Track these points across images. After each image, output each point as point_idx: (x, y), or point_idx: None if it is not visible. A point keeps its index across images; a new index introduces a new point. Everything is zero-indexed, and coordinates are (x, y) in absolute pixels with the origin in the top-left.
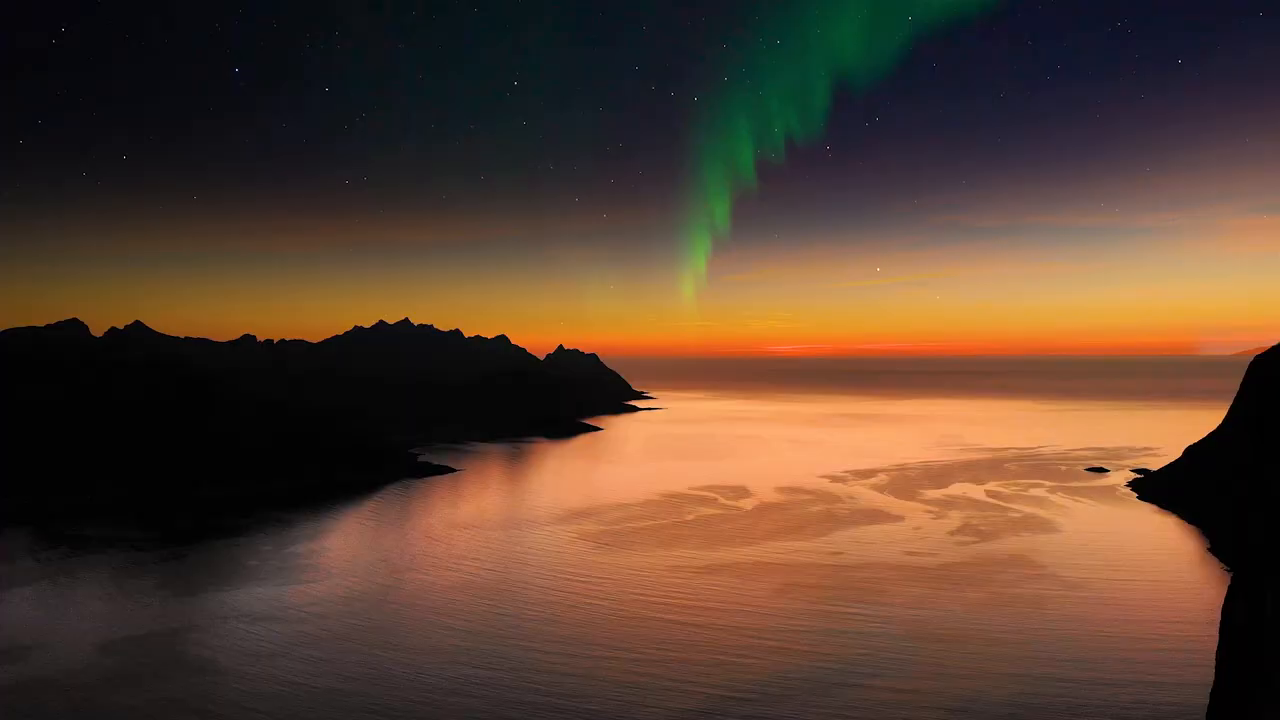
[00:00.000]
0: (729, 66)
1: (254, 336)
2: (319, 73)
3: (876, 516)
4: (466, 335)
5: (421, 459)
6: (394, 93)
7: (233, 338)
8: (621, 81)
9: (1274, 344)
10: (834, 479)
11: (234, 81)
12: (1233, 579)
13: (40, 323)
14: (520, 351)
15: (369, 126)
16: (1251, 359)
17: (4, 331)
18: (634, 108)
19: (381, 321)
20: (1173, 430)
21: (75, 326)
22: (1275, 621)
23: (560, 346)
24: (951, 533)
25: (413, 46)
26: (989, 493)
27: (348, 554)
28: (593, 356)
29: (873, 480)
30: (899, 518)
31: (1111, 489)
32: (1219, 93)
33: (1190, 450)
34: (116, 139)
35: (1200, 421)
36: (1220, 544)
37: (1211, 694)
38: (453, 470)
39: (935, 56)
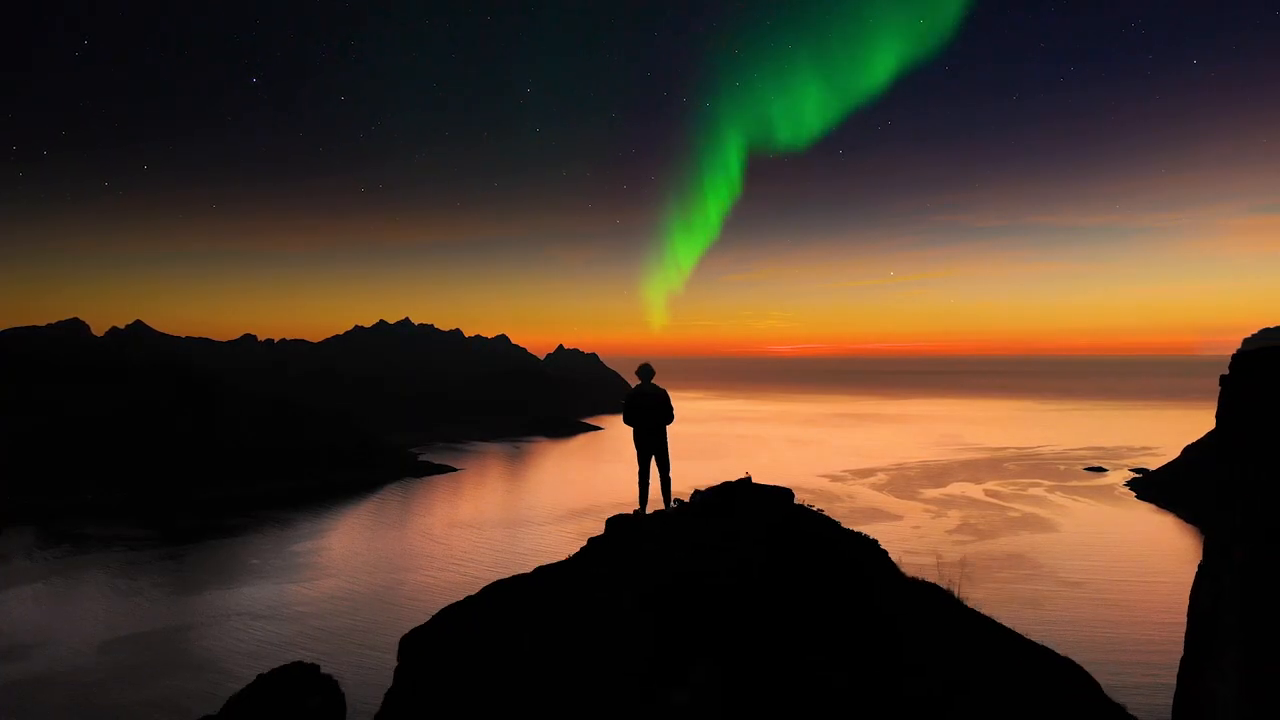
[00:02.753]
0: (739, 72)
1: (254, 336)
2: (335, 81)
3: (875, 515)
4: (467, 335)
5: (421, 458)
6: (409, 101)
7: (233, 337)
8: (634, 88)
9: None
10: (833, 478)
11: (252, 90)
12: (1199, 567)
13: (41, 322)
14: (520, 351)
15: (383, 134)
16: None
17: (5, 331)
18: (646, 114)
19: (382, 321)
20: (1172, 430)
21: (76, 326)
22: (1228, 605)
23: (560, 346)
24: (950, 531)
25: (427, 55)
26: (987, 492)
27: (348, 553)
28: (593, 356)
29: (871, 479)
30: (898, 517)
31: (1110, 488)
32: (1224, 93)
33: (1189, 450)
34: (136, 146)
35: (1199, 421)
36: None
37: (1179, 672)
38: (453, 470)
39: (948, 60)
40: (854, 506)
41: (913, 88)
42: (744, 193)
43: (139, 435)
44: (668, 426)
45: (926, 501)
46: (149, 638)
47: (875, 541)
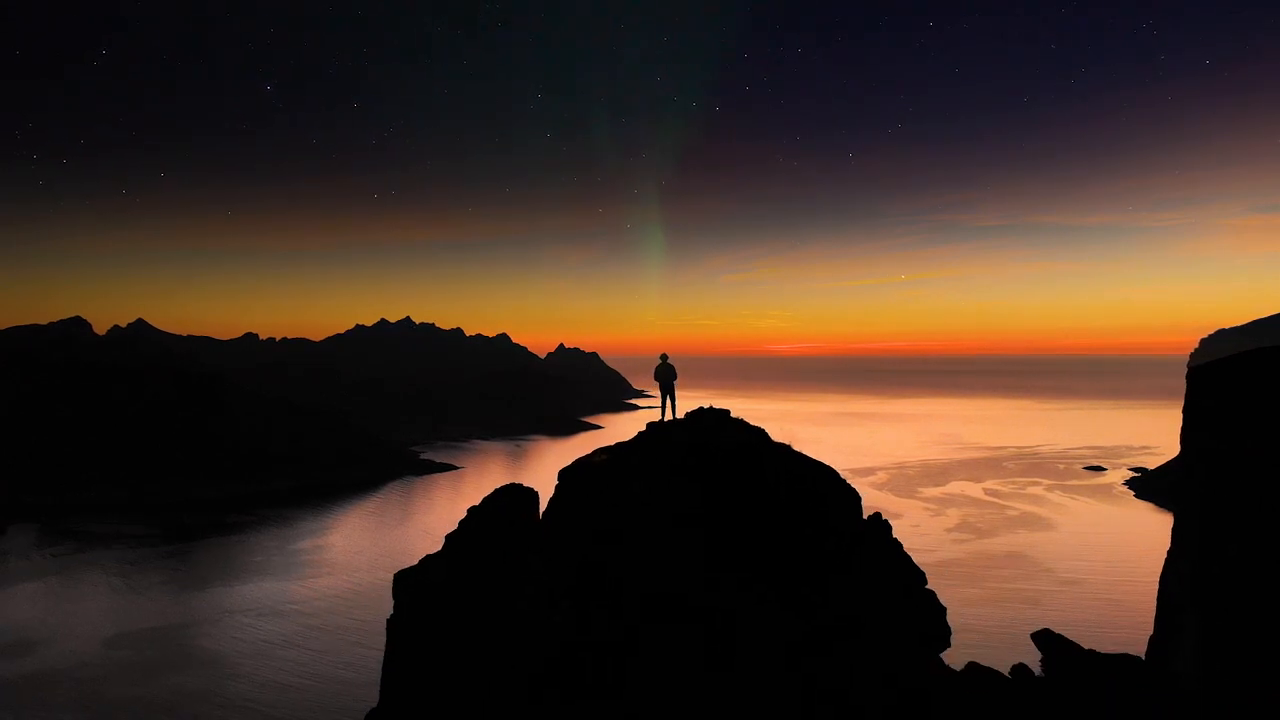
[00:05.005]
0: (746, 76)
1: (256, 335)
2: (348, 88)
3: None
4: (468, 334)
5: (423, 456)
6: (421, 108)
7: (235, 336)
8: (643, 93)
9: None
10: None
11: (265, 97)
12: (1167, 554)
13: (43, 320)
14: (521, 350)
15: (395, 140)
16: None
17: (7, 329)
18: (655, 118)
19: (383, 320)
20: (1171, 429)
21: (78, 324)
22: (1186, 589)
23: (561, 345)
24: (949, 530)
25: (440, 63)
26: (987, 491)
27: (350, 550)
28: (593, 355)
29: (871, 478)
30: (897, 515)
31: (1109, 487)
32: (1231, 94)
33: None
34: (153, 153)
35: None
36: None
37: (1147, 650)
38: (454, 468)
39: (956, 62)
40: None
41: (930, 89)
42: (748, 193)
43: (141, 434)
44: (674, 381)
45: (926, 500)
46: (151, 635)
47: (764, 431)
